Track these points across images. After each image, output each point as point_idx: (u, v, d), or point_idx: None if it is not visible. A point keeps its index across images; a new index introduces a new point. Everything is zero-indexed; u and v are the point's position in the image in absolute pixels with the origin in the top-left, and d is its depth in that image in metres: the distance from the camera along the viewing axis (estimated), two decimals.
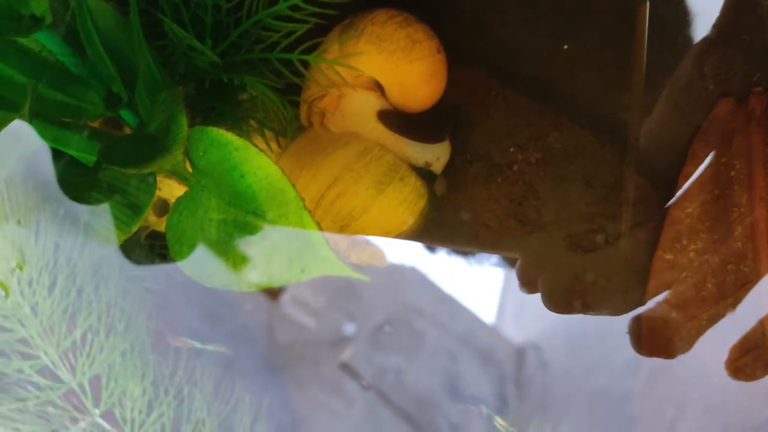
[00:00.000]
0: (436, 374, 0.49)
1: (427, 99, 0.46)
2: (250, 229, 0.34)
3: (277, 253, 0.33)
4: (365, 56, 0.42)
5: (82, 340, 0.38)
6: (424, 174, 0.45)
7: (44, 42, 0.36)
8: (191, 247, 0.35)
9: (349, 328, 0.50)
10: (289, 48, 0.42)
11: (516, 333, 0.51)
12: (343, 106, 0.44)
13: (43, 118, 0.36)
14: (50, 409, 0.38)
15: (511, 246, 0.50)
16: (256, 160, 0.33)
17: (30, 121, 0.36)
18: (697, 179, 0.46)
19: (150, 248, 0.44)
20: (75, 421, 0.38)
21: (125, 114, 0.41)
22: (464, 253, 0.51)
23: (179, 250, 0.36)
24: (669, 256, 0.46)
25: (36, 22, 0.35)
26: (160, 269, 0.46)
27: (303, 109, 0.45)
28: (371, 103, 0.44)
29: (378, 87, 0.45)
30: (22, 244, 0.37)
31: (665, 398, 0.48)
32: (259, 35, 0.41)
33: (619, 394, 0.49)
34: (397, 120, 0.44)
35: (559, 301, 0.48)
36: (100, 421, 0.38)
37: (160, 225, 0.48)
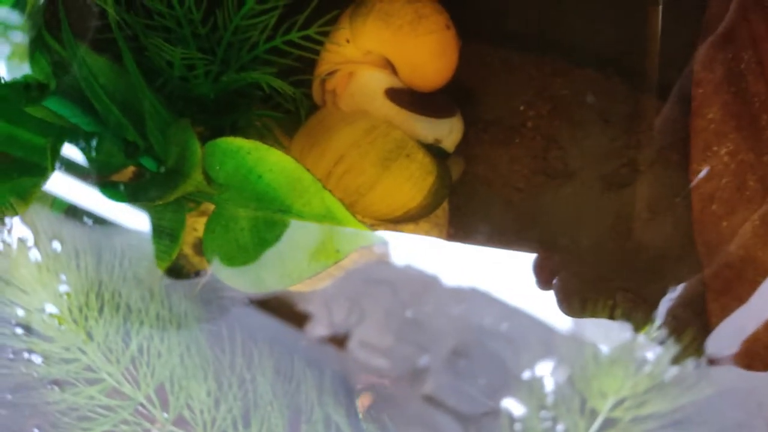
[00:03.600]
0: (522, 393, 0.47)
1: (437, 77, 0.46)
2: (281, 226, 0.35)
3: (309, 241, 0.34)
4: (374, 33, 0.43)
5: (139, 352, 0.39)
6: (435, 151, 0.45)
7: (54, 108, 0.38)
8: (230, 260, 0.36)
9: (424, 360, 0.49)
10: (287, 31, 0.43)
11: (599, 335, 0.48)
12: (352, 85, 0.44)
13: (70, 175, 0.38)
14: (123, 427, 0.39)
15: (546, 203, 0.49)
16: (269, 158, 0.34)
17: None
18: (711, 83, 0.45)
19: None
20: None
21: (146, 161, 0.42)
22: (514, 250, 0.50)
23: (219, 266, 0.37)
24: (704, 167, 0.45)
25: (43, 90, 0.37)
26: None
27: (315, 87, 0.46)
28: (379, 80, 0.44)
29: (389, 65, 0.45)
30: (64, 271, 0.39)
31: None
32: (243, 40, 0.43)
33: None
34: (406, 96, 0.44)
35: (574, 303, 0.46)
36: (173, 428, 0.39)
37: (204, 263, 0.49)
